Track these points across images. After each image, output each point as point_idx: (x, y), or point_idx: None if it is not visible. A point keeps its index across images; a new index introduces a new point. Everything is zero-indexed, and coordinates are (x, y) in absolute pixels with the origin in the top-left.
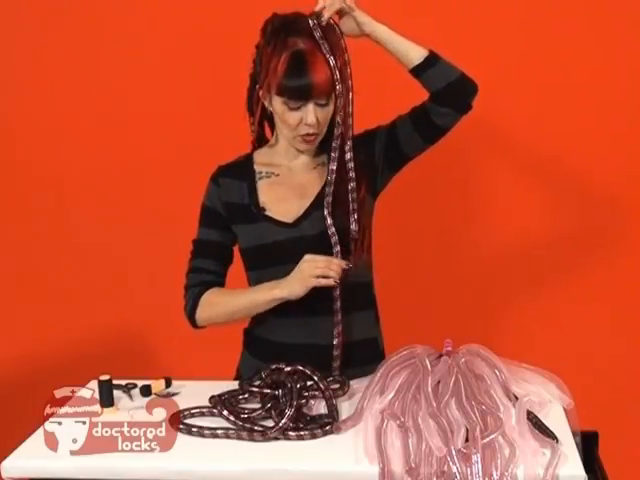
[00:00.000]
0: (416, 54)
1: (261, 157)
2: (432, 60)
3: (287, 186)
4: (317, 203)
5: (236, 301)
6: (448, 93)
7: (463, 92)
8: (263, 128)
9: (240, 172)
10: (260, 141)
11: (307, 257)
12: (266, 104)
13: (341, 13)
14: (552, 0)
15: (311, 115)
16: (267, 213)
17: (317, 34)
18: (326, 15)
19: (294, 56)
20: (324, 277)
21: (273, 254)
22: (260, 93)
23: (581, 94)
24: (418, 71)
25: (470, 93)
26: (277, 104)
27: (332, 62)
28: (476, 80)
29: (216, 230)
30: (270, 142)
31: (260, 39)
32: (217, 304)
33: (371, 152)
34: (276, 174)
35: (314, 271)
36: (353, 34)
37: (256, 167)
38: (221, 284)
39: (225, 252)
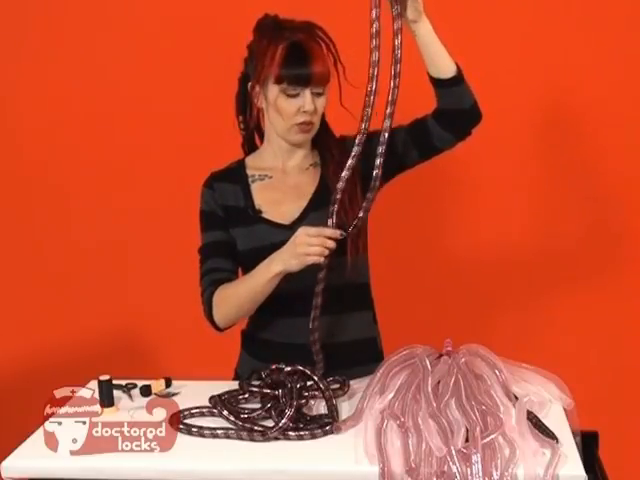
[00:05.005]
0: (446, 66)
1: (252, 161)
2: (457, 79)
3: (282, 188)
4: (313, 204)
5: (240, 290)
6: (456, 117)
7: (469, 120)
8: (253, 134)
9: (233, 176)
10: (251, 147)
11: (301, 231)
12: (256, 101)
13: None
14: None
15: (309, 102)
16: (264, 215)
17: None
18: None
19: (292, 45)
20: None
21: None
22: (255, 89)
23: (581, 92)
24: (440, 83)
25: (474, 122)
26: (273, 94)
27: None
28: (482, 110)
29: (219, 231)
30: (260, 148)
31: (253, 37)
32: (226, 298)
33: (371, 155)
34: (269, 176)
35: (308, 249)
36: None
37: (248, 171)
38: (234, 280)
39: (233, 249)
